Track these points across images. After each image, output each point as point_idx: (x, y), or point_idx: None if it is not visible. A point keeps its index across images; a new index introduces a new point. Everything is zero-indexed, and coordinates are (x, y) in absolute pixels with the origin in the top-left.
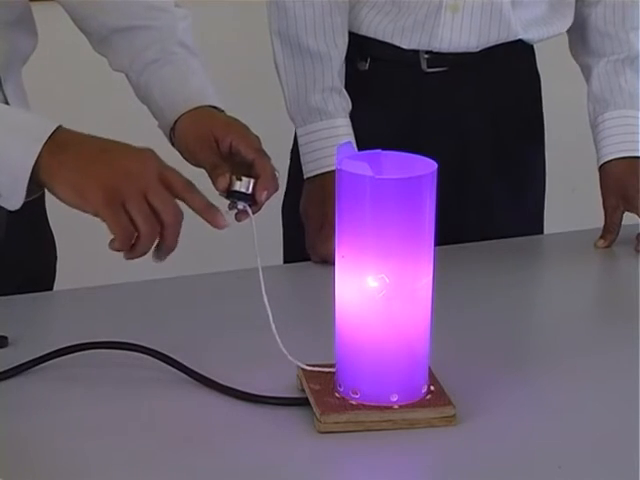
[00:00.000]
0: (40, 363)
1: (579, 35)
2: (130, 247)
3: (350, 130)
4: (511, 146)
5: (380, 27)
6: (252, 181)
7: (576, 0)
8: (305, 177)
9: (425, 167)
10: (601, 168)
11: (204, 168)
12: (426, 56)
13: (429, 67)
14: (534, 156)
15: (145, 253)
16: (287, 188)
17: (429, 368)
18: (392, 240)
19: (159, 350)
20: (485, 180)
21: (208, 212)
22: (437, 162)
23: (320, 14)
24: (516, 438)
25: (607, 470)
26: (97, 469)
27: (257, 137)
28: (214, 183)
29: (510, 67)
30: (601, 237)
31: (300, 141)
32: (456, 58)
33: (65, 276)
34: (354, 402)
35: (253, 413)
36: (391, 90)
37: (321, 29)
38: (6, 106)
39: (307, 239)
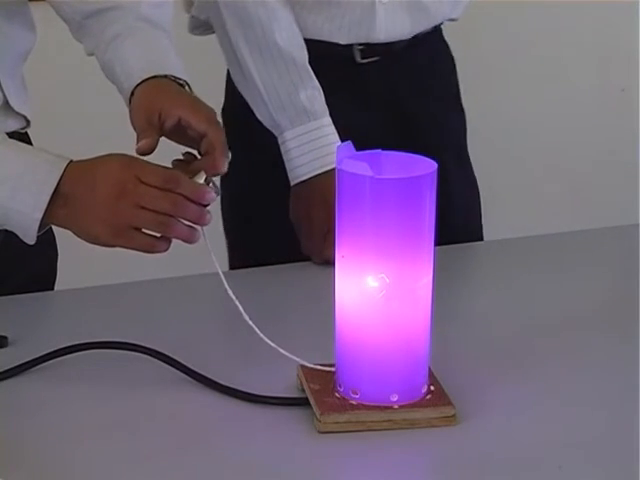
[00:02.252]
0: (40, 363)
1: None
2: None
3: (334, 129)
4: (440, 118)
5: (316, 27)
6: (203, 177)
7: None
8: (296, 181)
9: (425, 167)
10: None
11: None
12: (360, 47)
13: (363, 58)
14: (457, 125)
15: (187, 232)
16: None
17: (429, 368)
18: (392, 240)
19: (159, 350)
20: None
21: (197, 193)
22: (382, 148)
23: (285, 16)
24: (516, 438)
25: (607, 470)
26: (97, 469)
27: (211, 109)
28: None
29: (429, 51)
30: None
31: (288, 145)
32: (387, 47)
33: (65, 276)
34: (354, 402)
35: (253, 413)
36: (330, 84)
37: (286, 31)
38: (13, 150)
39: (309, 242)
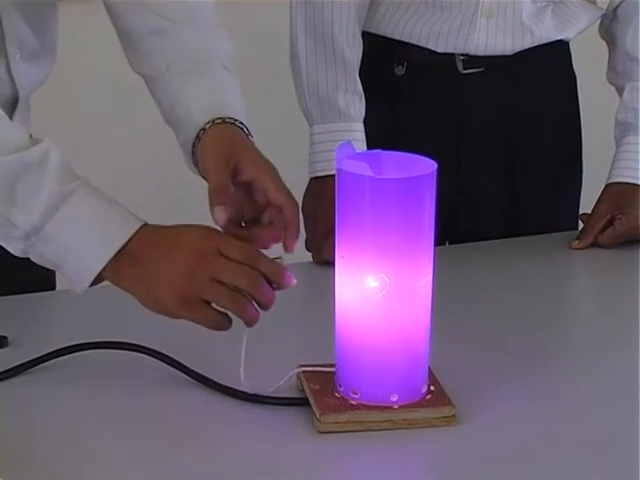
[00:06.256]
0: (40, 363)
1: (609, 53)
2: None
3: (364, 136)
4: (548, 144)
5: (415, 31)
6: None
7: (611, 19)
8: (313, 175)
9: (425, 167)
10: (605, 186)
11: (207, 181)
12: (462, 57)
13: (465, 68)
14: (571, 157)
15: (256, 314)
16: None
17: (429, 368)
18: (392, 240)
19: (159, 350)
20: (523, 176)
21: (278, 274)
22: (479, 160)
23: (347, 15)
24: (516, 438)
25: (607, 470)
26: (97, 469)
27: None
28: (211, 208)
29: (546, 66)
30: (578, 238)
31: (315, 138)
32: (492, 60)
33: None
34: (354, 402)
35: (253, 413)
36: (430, 92)
37: (344, 30)
38: (95, 198)
39: (311, 239)
